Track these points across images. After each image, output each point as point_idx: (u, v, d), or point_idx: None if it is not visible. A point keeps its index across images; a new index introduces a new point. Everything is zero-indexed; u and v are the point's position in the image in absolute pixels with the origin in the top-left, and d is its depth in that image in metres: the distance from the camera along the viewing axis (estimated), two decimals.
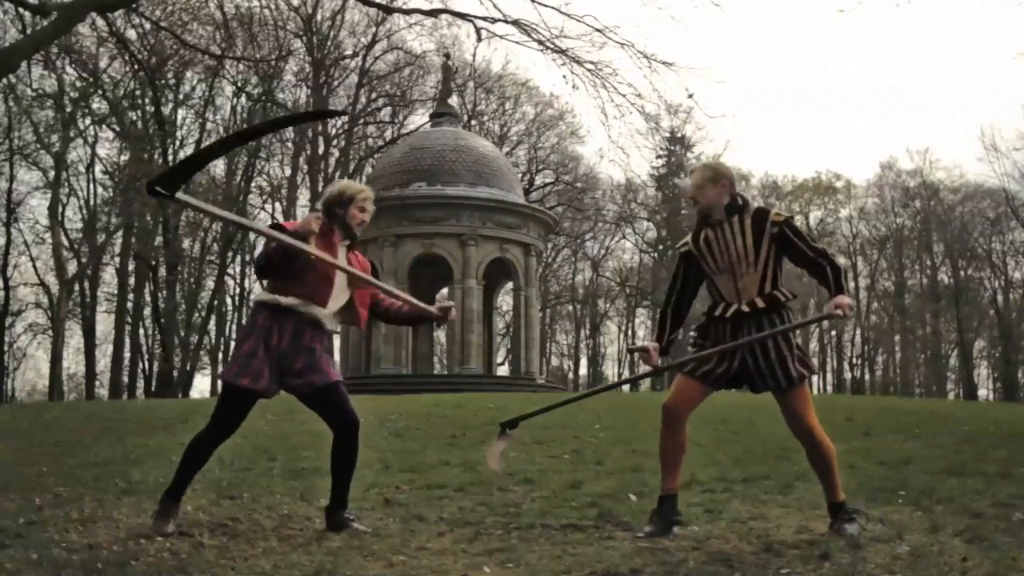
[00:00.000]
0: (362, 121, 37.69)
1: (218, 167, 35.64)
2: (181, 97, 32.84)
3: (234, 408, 4.26)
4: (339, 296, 4.34)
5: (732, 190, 4.27)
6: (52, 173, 31.02)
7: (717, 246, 4.23)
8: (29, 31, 21.76)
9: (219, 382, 4.32)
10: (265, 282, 4.39)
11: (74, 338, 36.84)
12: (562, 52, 15.04)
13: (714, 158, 46.56)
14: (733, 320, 4.20)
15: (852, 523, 4.11)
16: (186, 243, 34.94)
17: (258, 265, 4.27)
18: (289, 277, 4.21)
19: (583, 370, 48.19)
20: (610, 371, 49.79)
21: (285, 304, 4.21)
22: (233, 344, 4.57)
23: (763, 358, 4.15)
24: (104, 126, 32.26)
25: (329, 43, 34.99)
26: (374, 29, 34.59)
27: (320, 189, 34.64)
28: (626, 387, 45.55)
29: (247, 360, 4.18)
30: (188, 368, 34.20)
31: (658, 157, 42.03)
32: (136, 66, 24.88)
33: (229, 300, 37.82)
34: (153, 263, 31.25)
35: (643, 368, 4.51)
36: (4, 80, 24.08)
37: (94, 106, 30.94)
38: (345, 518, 4.37)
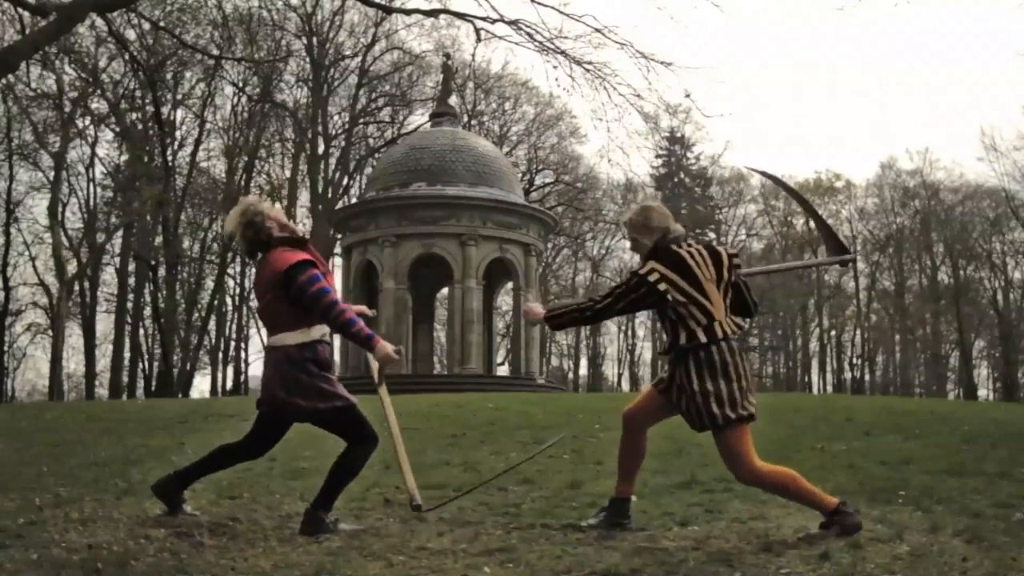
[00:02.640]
0: (362, 121, 37.71)
1: (218, 167, 35.75)
2: (180, 97, 32.87)
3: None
4: None
5: (653, 238, 4.16)
6: (52, 173, 31.03)
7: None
8: (28, 31, 21.75)
9: (346, 410, 4.59)
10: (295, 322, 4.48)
11: (74, 338, 36.87)
12: (561, 53, 15.02)
13: (714, 158, 46.73)
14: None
15: (846, 516, 3.98)
16: (186, 243, 34.97)
17: (336, 319, 4.50)
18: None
19: (583, 370, 48.25)
20: (610, 371, 49.85)
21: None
22: (306, 377, 4.65)
23: (687, 399, 4.07)
24: (104, 126, 32.30)
25: (329, 43, 35.01)
26: (373, 29, 34.65)
27: (320, 189, 34.65)
28: (626, 387, 45.74)
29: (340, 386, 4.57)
30: (188, 368, 34.20)
31: (657, 157, 42.07)
32: (135, 66, 24.89)
33: (229, 300, 37.82)
34: (153, 263, 31.25)
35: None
36: (3, 80, 24.07)
37: (94, 106, 30.97)
38: None
